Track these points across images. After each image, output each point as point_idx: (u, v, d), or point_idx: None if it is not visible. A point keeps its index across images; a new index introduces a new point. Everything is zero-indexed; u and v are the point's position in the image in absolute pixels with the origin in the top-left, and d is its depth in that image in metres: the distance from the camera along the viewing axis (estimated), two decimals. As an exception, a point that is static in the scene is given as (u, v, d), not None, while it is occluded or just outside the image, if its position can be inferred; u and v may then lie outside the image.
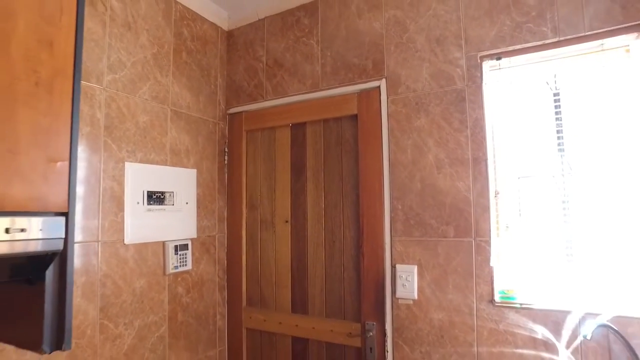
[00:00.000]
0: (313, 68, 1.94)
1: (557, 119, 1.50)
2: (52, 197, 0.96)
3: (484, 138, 1.53)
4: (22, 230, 0.86)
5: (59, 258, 0.97)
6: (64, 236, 0.95)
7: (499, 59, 1.54)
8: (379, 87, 1.75)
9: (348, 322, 1.79)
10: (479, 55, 1.56)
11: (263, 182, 2.11)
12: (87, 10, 1.49)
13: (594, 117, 1.44)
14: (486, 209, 1.51)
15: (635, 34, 1.35)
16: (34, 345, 0.96)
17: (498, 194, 1.56)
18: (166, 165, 1.85)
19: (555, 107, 1.51)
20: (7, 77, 0.88)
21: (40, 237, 0.90)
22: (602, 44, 1.41)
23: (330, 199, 1.89)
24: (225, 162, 2.19)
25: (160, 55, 1.82)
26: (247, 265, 2.13)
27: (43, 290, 0.96)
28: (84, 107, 1.50)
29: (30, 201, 0.91)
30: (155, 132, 1.79)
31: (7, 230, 0.86)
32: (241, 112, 2.16)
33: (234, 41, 2.21)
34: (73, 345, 1.42)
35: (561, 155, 1.49)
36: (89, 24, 1.51)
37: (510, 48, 1.52)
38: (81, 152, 1.49)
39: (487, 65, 1.56)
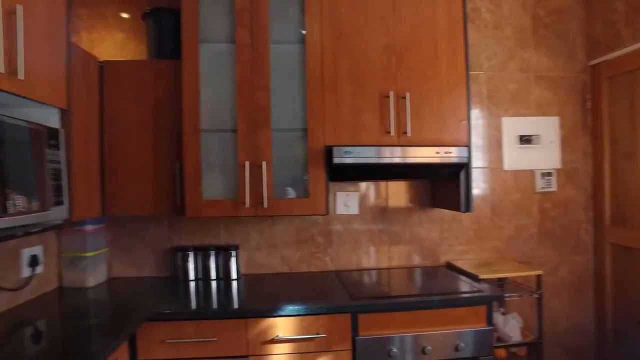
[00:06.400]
0: (667, 8, 2.09)
1: None
2: (461, 138, 2.01)
3: None
4: (450, 153, 1.94)
5: (465, 167, 2.01)
6: (467, 155, 1.97)
7: None
8: None
9: None
10: None
11: (623, 119, 2.42)
12: (468, 26, 2.45)
13: None
14: None
15: None
16: (457, 208, 2.06)
17: None
18: (531, 116, 2.58)
19: None
20: (438, 86, 1.99)
21: (457, 155, 1.96)
22: None
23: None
24: (588, 107, 2.64)
25: (521, 38, 2.55)
26: (610, 191, 2.53)
27: (459, 183, 2.04)
28: (472, 87, 2.49)
29: (451, 140, 2.00)
30: (522, 94, 2.56)
31: (437, 152, 1.95)
32: (600, 62, 2.54)
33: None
34: (474, 213, 2.50)
35: None
36: (469, 34, 2.46)
37: None
38: (473, 114, 2.49)
39: None
